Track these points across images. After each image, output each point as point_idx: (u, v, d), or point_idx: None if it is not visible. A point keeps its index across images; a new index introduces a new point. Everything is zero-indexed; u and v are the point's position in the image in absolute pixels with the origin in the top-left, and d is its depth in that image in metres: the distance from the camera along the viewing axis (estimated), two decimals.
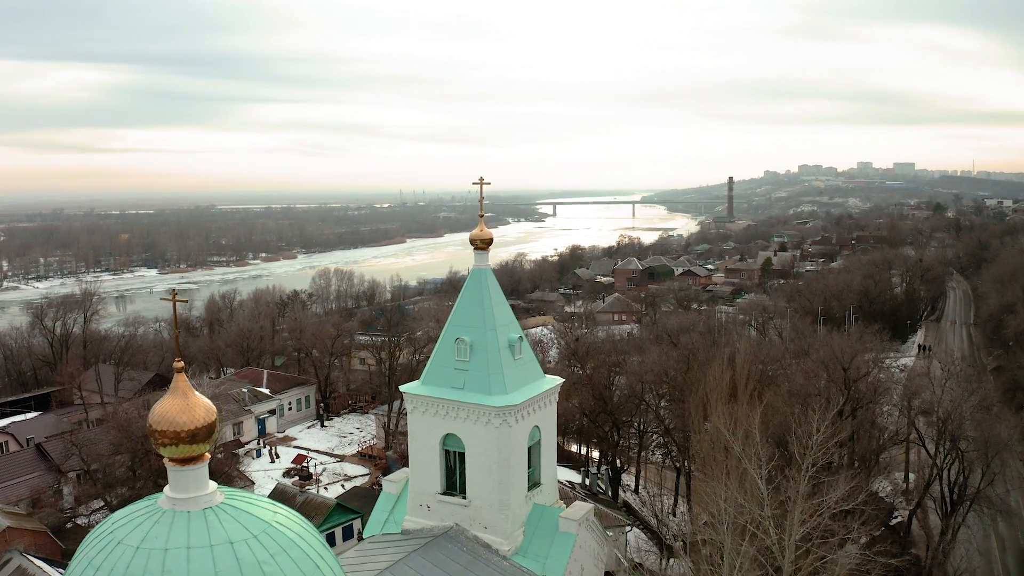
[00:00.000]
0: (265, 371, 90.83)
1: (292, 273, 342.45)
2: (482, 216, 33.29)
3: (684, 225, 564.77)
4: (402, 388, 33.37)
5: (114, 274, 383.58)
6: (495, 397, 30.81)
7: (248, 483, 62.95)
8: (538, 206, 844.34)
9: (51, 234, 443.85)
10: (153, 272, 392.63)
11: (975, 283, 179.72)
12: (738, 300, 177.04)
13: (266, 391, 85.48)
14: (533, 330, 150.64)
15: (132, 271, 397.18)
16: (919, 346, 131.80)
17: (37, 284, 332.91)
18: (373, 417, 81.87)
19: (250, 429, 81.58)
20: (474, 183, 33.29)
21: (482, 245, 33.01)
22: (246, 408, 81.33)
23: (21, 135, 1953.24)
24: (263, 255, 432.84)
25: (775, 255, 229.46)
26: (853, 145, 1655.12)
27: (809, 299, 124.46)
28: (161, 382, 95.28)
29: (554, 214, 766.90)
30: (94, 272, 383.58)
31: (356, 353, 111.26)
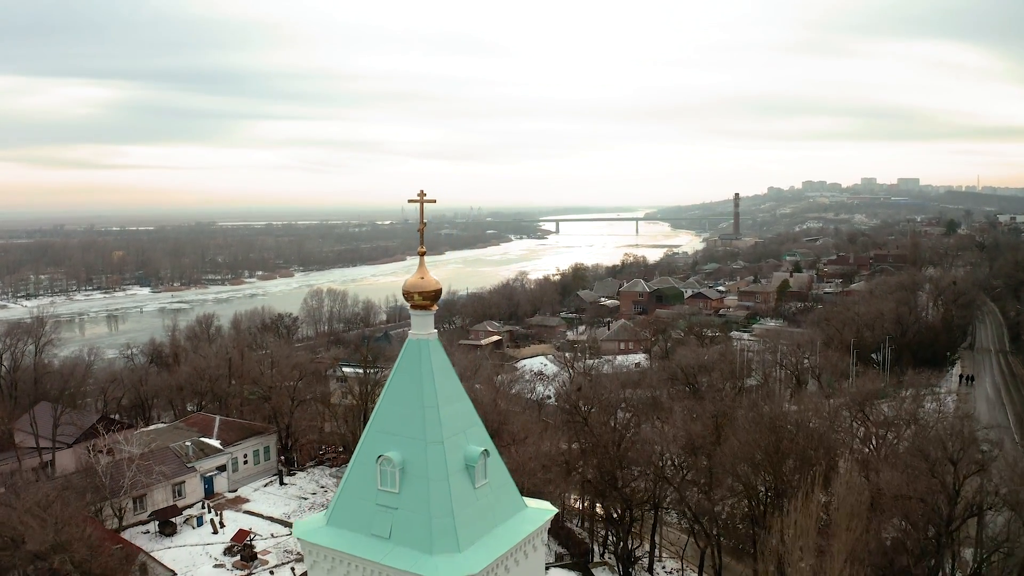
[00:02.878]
0: (217, 417, 78.08)
1: (288, 292, 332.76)
2: (423, 253, 20.45)
3: (689, 242, 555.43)
4: (296, 530, 20.91)
5: (105, 292, 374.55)
6: (439, 558, 18.38)
7: (169, 574, 50.41)
8: (541, 223, 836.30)
9: (45, 251, 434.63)
10: (146, 290, 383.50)
11: (1007, 306, 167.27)
12: (754, 325, 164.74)
13: (215, 443, 72.86)
14: (531, 360, 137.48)
15: (124, 289, 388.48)
16: (960, 376, 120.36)
17: (26, 302, 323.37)
18: (337, 478, 69.24)
19: (194, 490, 68.99)
20: (411, 200, 20.66)
21: (423, 302, 19.98)
22: (189, 465, 68.81)
23: (24, 151, 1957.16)
24: (259, 273, 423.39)
25: (791, 276, 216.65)
26: (857, 161, 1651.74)
27: (839, 328, 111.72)
28: (108, 425, 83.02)
29: (557, 231, 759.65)
30: (85, 290, 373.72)
31: (335, 389, 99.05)
